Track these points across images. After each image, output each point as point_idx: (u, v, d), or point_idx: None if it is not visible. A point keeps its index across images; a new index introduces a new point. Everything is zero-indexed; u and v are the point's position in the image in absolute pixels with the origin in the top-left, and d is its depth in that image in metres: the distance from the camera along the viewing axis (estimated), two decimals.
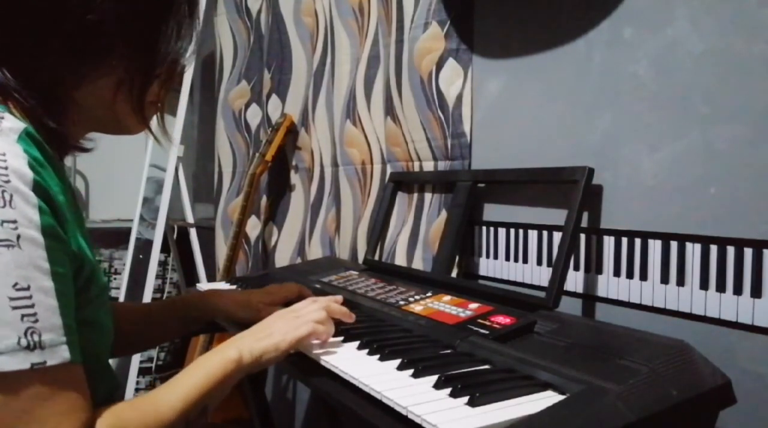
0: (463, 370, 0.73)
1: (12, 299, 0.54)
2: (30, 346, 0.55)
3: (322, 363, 0.78)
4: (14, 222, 0.55)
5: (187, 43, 0.73)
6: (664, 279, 0.89)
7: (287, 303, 1.09)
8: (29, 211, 0.56)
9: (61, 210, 0.61)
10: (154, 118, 0.78)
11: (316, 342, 0.82)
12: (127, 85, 0.70)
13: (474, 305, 0.94)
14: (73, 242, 0.63)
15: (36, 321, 0.55)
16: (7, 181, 0.56)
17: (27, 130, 0.61)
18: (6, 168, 0.56)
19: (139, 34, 0.68)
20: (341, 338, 0.85)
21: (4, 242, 0.55)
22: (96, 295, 0.68)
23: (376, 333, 0.89)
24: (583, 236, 1.01)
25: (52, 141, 0.65)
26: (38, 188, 0.58)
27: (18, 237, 0.55)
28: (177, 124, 2.16)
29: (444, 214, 1.27)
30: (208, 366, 0.71)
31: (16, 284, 0.55)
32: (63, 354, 0.57)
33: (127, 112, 0.72)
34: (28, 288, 0.55)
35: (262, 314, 0.97)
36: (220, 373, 0.71)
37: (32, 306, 0.55)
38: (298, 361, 0.81)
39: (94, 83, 0.68)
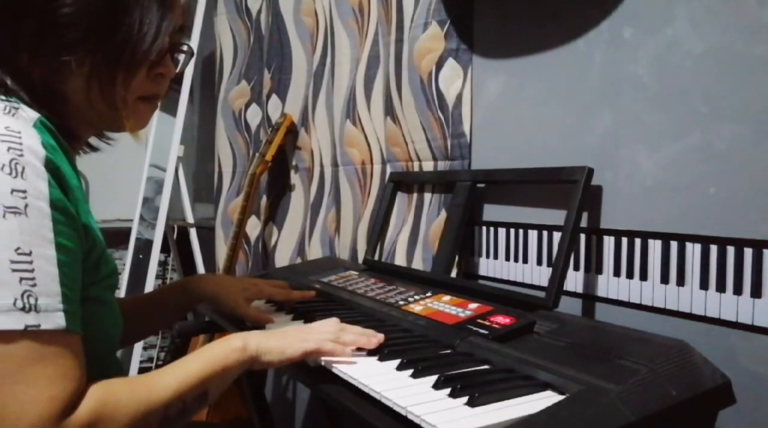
0: (462, 370, 0.73)
1: (12, 261, 0.56)
2: (25, 308, 0.56)
3: (322, 363, 0.78)
4: (24, 191, 0.58)
5: (153, 30, 0.71)
6: (664, 279, 0.89)
7: (272, 302, 1.11)
8: (39, 184, 0.59)
9: (72, 189, 0.63)
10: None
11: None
12: (96, 80, 0.70)
13: (474, 305, 0.93)
14: (84, 220, 0.65)
15: (34, 285, 0.57)
16: (21, 155, 0.59)
17: (41, 119, 0.64)
18: (21, 143, 0.59)
19: (96, 26, 0.68)
20: None
21: (12, 209, 0.57)
22: (106, 275, 0.71)
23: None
24: (583, 236, 1.01)
25: (62, 133, 0.67)
26: (50, 165, 0.61)
27: (26, 206, 0.58)
28: (177, 124, 2.16)
29: (444, 213, 1.27)
30: (211, 353, 0.72)
31: (18, 248, 0.57)
32: (58, 320, 0.58)
33: (103, 108, 0.72)
34: (29, 254, 0.57)
35: (239, 310, 1.00)
36: (221, 360, 0.71)
37: (32, 270, 0.57)
38: (298, 362, 0.81)
39: (69, 80, 0.69)
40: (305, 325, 0.83)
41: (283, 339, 0.77)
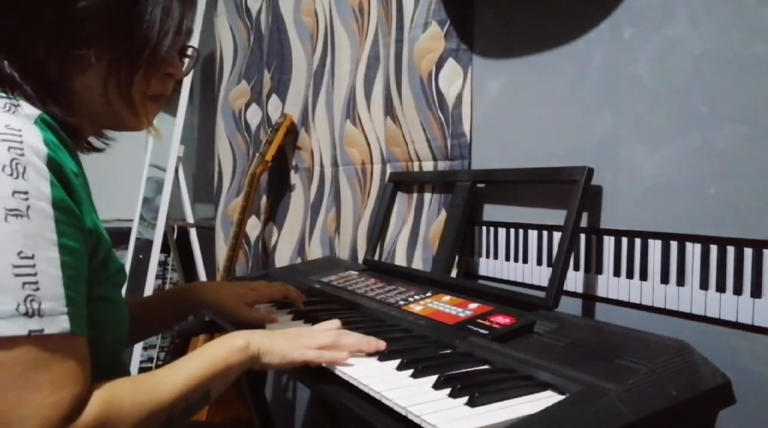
0: (462, 370, 0.73)
1: (15, 266, 0.55)
2: (29, 313, 0.55)
3: (322, 363, 0.78)
4: (25, 193, 0.56)
5: (174, 29, 0.71)
6: (664, 279, 0.89)
7: (273, 302, 1.11)
8: (41, 184, 0.58)
9: (75, 188, 0.62)
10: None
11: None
12: (114, 77, 0.69)
13: (474, 305, 0.93)
14: (89, 219, 0.64)
15: (37, 289, 0.56)
16: (22, 155, 0.57)
17: (42, 116, 0.63)
18: (21, 142, 0.58)
19: (117, 21, 0.67)
20: None
21: (14, 211, 0.56)
22: (113, 273, 0.70)
23: (376, 333, 0.89)
24: (583, 236, 1.01)
25: (64, 130, 0.66)
26: (52, 163, 0.59)
27: (28, 207, 0.56)
28: (177, 124, 2.16)
29: (444, 213, 1.27)
30: (214, 352, 0.72)
31: (20, 252, 0.56)
32: (62, 324, 0.57)
33: (120, 106, 0.71)
34: (32, 258, 0.56)
35: (241, 317, 0.99)
36: (224, 359, 0.71)
37: (35, 274, 0.56)
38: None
39: (84, 75, 0.68)
40: (307, 328, 0.83)
41: (285, 342, 0.77)
